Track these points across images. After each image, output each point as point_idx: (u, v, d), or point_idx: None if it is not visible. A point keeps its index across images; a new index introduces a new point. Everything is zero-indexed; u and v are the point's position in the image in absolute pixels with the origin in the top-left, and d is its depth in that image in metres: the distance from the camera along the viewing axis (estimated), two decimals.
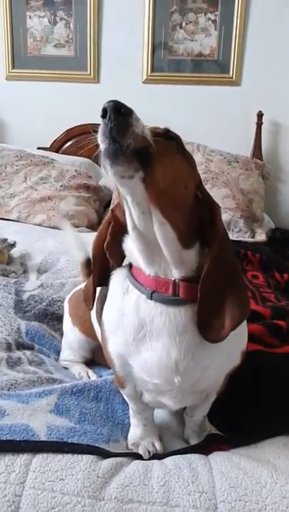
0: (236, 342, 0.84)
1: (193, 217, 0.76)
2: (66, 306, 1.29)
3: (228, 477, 0.82)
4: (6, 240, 1.73)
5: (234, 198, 2.43)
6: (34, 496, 0.77)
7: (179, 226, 0.73)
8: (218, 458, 0.87)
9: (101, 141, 0.65)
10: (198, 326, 0.75)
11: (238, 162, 2.59)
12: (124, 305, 0.81)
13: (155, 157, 0.66)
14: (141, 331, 0.79)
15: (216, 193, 2.42)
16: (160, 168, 0.67)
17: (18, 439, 0.84)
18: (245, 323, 0.86)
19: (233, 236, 2.34)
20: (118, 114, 0.62)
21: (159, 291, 0.77)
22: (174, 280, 0.77)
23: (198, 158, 2.57)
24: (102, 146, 0.65)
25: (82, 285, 1.26)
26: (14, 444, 0.83)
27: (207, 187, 2.39)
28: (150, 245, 0.75)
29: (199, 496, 0.79)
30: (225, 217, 2.38)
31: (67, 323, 1.25)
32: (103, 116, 0.63)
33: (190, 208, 0.74)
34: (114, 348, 0.83)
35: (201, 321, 0.75)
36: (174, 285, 0.77)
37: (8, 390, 1.00)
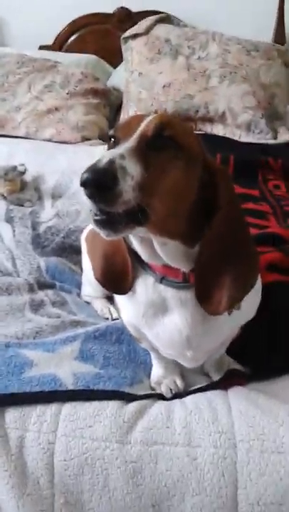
0: (252, 298, 0.82)
1: (198, 206, 0.69)
2: (83, 244, 1.28)
3: (247, 416, 0.86)
4: (16, 167, 1.68)
5: (254, 94, 2.24)
6: (66, 443, 0.83)
7: (182, 235, 0.69)
8: (236, 396, 0.91)
9: (88, 202, 0.57)
10: (197, 298, 0.73)
11: (258, 51, 2.34)
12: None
13: (152, 204, 0.60)
14: (149, 309, 0.79)
15: (235, 90, 2.24)
16: (158, 208, 0.61)
17: (47, 390, 0.89)
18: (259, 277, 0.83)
19: (253, 138, 2.21)
20: (101, 190, 0.54)
21: (168, 277, 0.76)
22: (184, 271, 0.74)
23: (214, 49, 2.33)
24: (90, 209, 0.58)
25: None
26: (44, 395, 0.88)
27: (225, 84, 2.24)
28: (155, 252, 0.72)
29: (219, 437, 0.84)
30: (245, 117, 2.23)
31: (86, 261, 1.25)
32: (84, 187, 0.55)
33: (193, 203, 0.68)
34: (126, 317, 0.84)
35: (199, 294, 0.73)
36: (184, 273, 0.74)
37: (34, 339, 1.04)
